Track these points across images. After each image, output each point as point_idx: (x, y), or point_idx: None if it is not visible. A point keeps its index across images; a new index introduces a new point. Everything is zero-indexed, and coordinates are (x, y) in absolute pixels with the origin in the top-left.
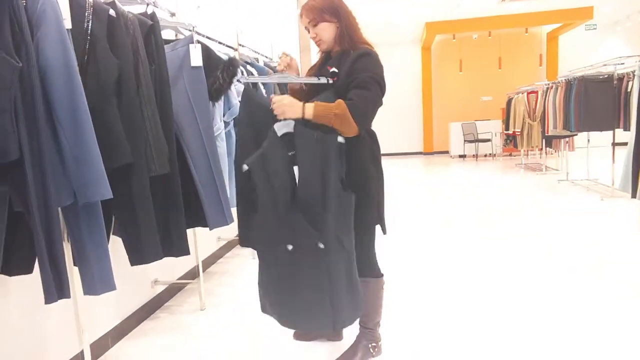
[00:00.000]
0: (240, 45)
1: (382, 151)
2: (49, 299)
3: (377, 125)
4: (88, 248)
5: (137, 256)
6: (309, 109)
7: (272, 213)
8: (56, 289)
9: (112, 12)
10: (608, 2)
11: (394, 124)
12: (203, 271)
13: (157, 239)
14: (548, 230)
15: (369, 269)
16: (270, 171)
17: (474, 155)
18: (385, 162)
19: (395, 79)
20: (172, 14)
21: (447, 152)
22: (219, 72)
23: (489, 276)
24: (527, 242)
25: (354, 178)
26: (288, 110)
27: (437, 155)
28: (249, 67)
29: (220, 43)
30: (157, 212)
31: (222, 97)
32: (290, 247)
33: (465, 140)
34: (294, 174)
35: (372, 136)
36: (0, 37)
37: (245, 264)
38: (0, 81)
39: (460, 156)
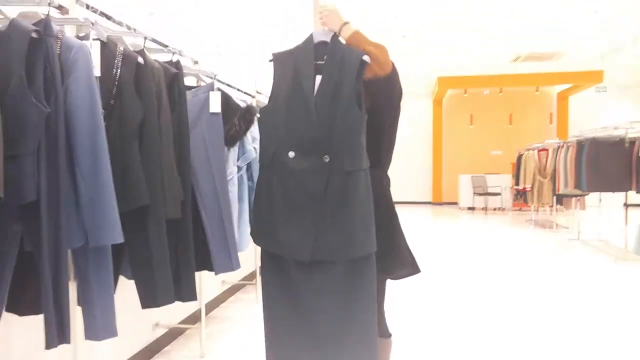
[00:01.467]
0: (257, 92)
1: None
2: (50, 343)
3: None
4: (94, 291)
5: (150, 299)
6: (347, 31)
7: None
8: (57, 333)
9: (140, 59)
10: (618, 69)
11: (403, 172)
12: (205, 315)
13: (170, 282)
14: (558, 292)
15: (378, 329)
16: (296, 67)
17: (483, 208)
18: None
19: (406, 129)
20: (195, 62)
21: (456, 203)
22: (236, 119)
23: (489, 334)
24: (534, 301)
25: (379, 215)
26: (329, 18)
27: (446, 206)
28: None
29: (239, 90)
30: (169, 255)
31: (237, 143)
32: (292, 153)
33: (474, 193)
34: (314, 81)
35: (388, 180)
36: (32, 83)
37: (248, 309)
38: (28, 126)
39: (470, 208)
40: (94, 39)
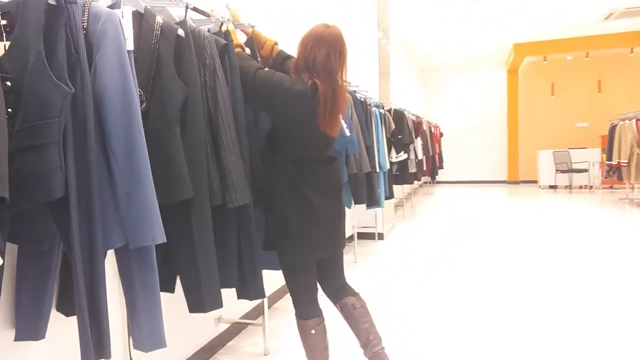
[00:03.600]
0: None
1: (461, 178)
2: (86, 359)
3: (456, 150)
4: (138, 297)
5: (196, 304)
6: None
7: None
8: (94, 345)
9: (180, 31)
10: None
11: (475, 150)
12: (269, 307)
13: (217, 284)
14: None
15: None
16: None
17: (566, 186)
18: (464, 190)
19: (478, 103)
20: (252, 27)
21: (535, 181)
22: None
23: (574, 335)
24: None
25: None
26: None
27: (523, 185)
28: None
29: None
30: (231, 249)
31: None
32: None
33: (557, 170)
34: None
35: (299, 166)
36: (52, 59)
37: None
38: (49, 110)
39: (551, 187)
40: (125, 6)
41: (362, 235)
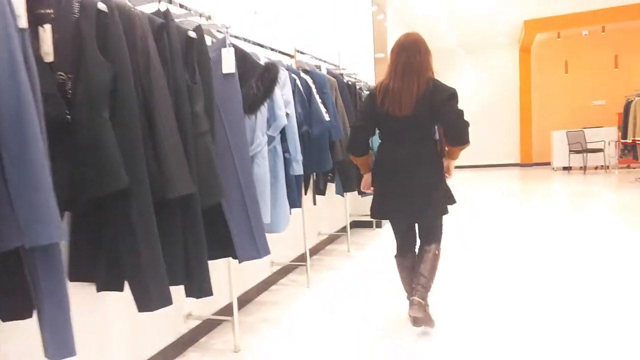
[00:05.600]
0: (298, 52)
1: (472, 162)
2: None
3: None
4: (44, 300)
5: (142, 302)
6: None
7: None
8: None
9: (101, 5)
10: None
11: (486, 132)
12: (252, 300)
13: (165, 281)
14: None
15: None
16: None
17: (581, 167)
18: (474, 174)
19: (488, 83)
20: (208, 18)
21: (548, 163)
22: (253, 80)
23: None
24: None
25: None
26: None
27: (536, 167)
28: (302, 74)
29: (272, 50)
30: (176, 243)
31: (261, 109)
32: None
33: (570, 151)
34: None
35: (380, 148)
36: None
37: (300, 294)
38: None
39: (565, 168)
40: None
41: (357, 224)
